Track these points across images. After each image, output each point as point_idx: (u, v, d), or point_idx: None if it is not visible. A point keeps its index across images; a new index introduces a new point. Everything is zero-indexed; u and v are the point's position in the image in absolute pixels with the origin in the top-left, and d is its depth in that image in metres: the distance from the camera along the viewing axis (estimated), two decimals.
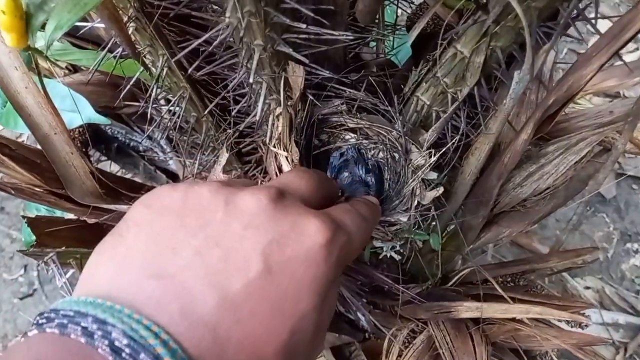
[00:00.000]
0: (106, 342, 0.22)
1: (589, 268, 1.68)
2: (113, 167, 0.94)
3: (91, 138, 0.93)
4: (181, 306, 0.25)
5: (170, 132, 0.63)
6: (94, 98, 0.74)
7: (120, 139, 0.93)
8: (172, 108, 0.58)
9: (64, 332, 0.23)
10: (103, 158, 0.95)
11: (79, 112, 0.46)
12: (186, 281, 0.26)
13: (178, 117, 0.55)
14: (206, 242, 0.27)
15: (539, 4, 0.38)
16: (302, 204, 0.32)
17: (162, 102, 0.63)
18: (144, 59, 0.52)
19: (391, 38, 0.72)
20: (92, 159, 0.89)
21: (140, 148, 0.93)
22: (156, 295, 0.25)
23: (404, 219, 0.47)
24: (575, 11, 0.40)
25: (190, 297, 0.25)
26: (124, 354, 0.22)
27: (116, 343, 0.22)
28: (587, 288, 1.64)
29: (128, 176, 0.96)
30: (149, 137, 0.95)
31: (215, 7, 0.39)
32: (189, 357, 0.24)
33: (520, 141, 0.46)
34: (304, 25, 0.39)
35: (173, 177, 0.96)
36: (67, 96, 0.48)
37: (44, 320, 0.24)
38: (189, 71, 0.46)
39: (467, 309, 0.51)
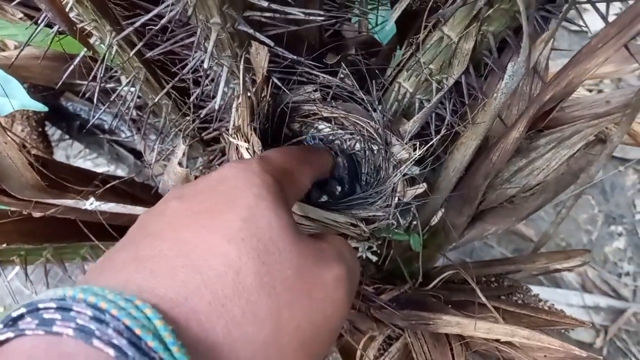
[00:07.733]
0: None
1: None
2: (75, 148, 0.88)
3: (51, 115, 0.87)
4: None
5: (131, 113, 0.58)
6: (48, 74, 0.67)
7: (83, 116, 0.86)
8: (127, 88, 0.52)
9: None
10: (66, 137, 0.89)
11: (9, 97, 0.40)
12: None
13: (132, 101, 0.49)
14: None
15: None
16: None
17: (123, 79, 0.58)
18: (93, 33, 0.46)
19: (375, 13, 0.67)
20: (51, 138, 0.83)
21: (105, 126, 0.87)
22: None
23: (382, 214, 0.42)
24: None
25: None
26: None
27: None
28: (570, 270, 1.62)
29: (92, 156, 0.90)
30: (114, 115, 0.88)
31: None
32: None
33: (511, 139, 0.41)
34: (265, 3, 0.33)
35: (140, 157, 0.90)
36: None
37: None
38: (136, 49, 0.40)
39: (447, 324, 0.46)
